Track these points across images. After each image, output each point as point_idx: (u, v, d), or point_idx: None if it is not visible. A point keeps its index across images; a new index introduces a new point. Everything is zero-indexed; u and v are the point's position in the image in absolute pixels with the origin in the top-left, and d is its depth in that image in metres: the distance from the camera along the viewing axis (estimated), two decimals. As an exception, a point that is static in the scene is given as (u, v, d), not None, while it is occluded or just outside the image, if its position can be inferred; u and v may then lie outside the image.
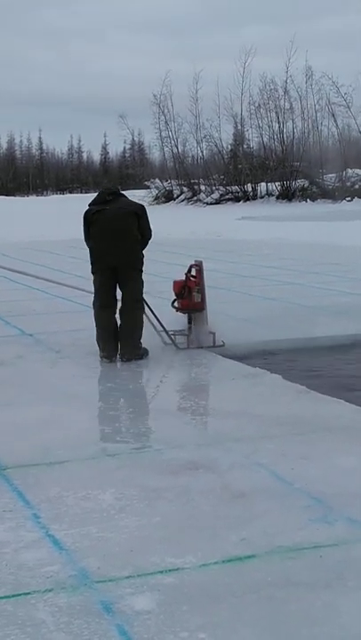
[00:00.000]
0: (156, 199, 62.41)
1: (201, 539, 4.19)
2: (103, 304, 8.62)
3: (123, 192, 9.01)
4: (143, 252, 8.72)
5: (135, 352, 8.52)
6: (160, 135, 66.18)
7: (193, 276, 9.19)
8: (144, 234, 8.71)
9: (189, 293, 9.06)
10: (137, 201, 9.05)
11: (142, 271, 8.71)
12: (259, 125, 61.26)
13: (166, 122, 65.13)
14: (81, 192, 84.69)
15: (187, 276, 9.18)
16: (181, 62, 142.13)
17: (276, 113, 60.30)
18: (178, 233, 27.78)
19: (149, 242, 8.80)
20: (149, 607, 3.54)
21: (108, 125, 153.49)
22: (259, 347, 9.28)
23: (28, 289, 13.76)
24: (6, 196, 74.45)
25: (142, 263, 8.72)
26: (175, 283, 9.18)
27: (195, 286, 9.09)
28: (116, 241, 8.60)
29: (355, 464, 5.27)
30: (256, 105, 60.88)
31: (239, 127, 62.82)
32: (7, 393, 7.56)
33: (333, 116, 58.65)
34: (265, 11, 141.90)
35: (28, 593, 3.68)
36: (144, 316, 8.80)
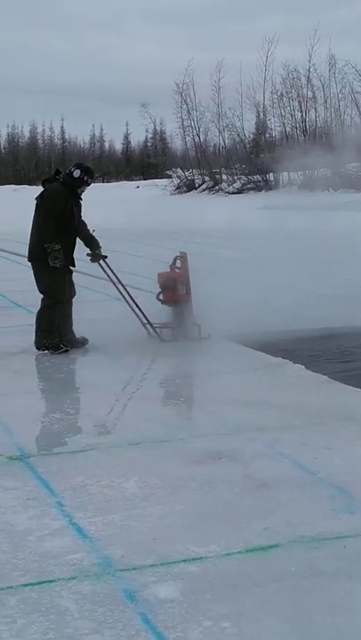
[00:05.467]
0: (177, 188, 62.29)
1: (224, 528, 4.19)
2: None
3: (65, 174, 8.56)
4: (54, 243, 8.30)
5: (41, 342, 8.48)
6: (182, 124, 66.02)
7: (178, 268, 9.09)
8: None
9: (174, 286, 8.98)
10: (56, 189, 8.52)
11: (50, 263, 8.33)
12: (281, 114, 61.05)
13: (188, 111, 64.96)
14: (103, 181, 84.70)
15: (171, 269, 9.09)
16: (203, 51, 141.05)
17: (298, 102, 60.08)
18: (199, 222, 27.70)
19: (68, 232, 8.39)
20: (173, 596, 3.54)
21: (130, 114, 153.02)
22: (279, 336, 9.26)
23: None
24: (29, 185, 74.61)
25: (49, 255, 8.32)
26: (160, 275, 9.09)
27: (179, 278, 8.99)
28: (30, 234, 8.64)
29: (378, 454, 5.25)
30: (279, 94, 60.65)
31: (261, 116, 62.62)
32: (29, 381, 7.60)
33: (357, 104, 58.30)
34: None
35: (53, 580, 3.70)
36: (130, 308, 8.87)
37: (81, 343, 8.67)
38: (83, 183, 8.62)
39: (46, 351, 8.40)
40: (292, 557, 3.87)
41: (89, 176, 8.67)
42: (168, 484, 4.79)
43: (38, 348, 8.46)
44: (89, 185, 8.72)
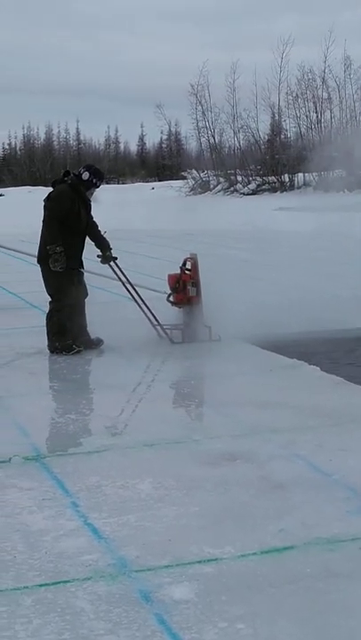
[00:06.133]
0: (192, 190, 62.30)
1: (239, 529, 4.19)
2: None
3: (73, 175, 8.58)
4: (56, 245, 8.32)
5: (53, 345, 8.52)
6: (197, 125, 66.02)
7: (188, 270, 9.10)
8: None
9: (184, 287, 8.97)
10: (59, 190, 8.58)
11: (51, 266, 8.34)
12: (296, 115, 60.97)
13: (203, 112, 64.99)
14: (118, 183, 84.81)
15: (181, 270, 9.10)
16: (218, 51, 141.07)
17: (313, 103, 59.97)
18: (214, 224, 27.71)
19: (58, 235, 8.37)
20: (188, 597, 3.55)
21: (145, 116, 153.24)
22: (294, 337, 9.24)
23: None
24: (44, 186, 74.82)
25: (50, 257, 8.33)
26: (170, 277, 9.10)
27: (189, 280, 8.98)
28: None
29: (394, 456, 5.24)
30: (294, 95, 60.56)
31: (276, 117, 62.54)
32: (45, 382, 7.63)
33: (372, 105, 58.14)
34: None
35: (68, 581, 3.72)
36: (140, 310, 8.90)
37: (96, 344, 8.69)
38: (92, 185, 8.63)
39: (60, 353, 8.43)
40: (308, 559, 3.86)
41: (98, 178, 8.67)
42: (183, 486, 4.79)
43: (52, 352, 8.50)
44: (98, 187, 8.73)
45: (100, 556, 3.94)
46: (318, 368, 7.63)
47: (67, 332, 8.51)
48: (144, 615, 3.42)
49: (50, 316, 8.60)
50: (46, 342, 8.59)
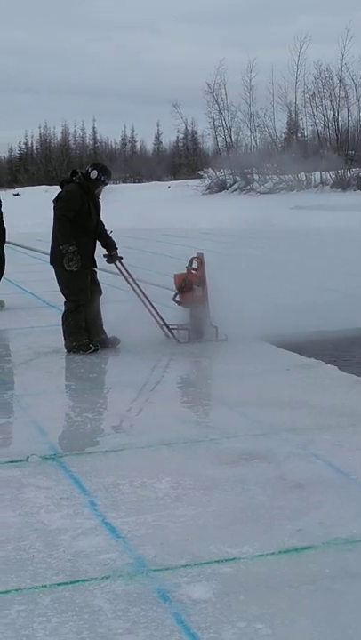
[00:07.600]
0: (208, 189, 62.23)
1: (257, 529, 4.18)
2: None
3: (81, 174, 8.61)
4: (69, 244, 8.35)
5: (70, 345, 8.54)
6: (213, 124, 65.95)
7: (194, 269, 9.08)
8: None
9: (190, 287, 8.96)
10: (68, 189, 8.61)
11: (65, 265, 8.36)
12: (313, 114, 60.77)
13: (220, 111, 64.89)
14: (134, 182, 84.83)
15: (188, 270, 9.08)
16: (235, 51, 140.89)
17: (330, 101, 59.74)
18: (231, 222, 27.67)
19: (66, 235, 8.39)
20: (206, 596, 3.54)
21: (162, 115, 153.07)
22: (312, 337, 9.22)
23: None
24: (60, 186, 74.63)
25: (64, 257, 8.36)
26: (176, 276, 9.08)
27: (195, 280, 8.96)
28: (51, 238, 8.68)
29: None
30: (311, 93, 60.37)
31: (293, 116, 62.38)
32: (62, 381, 7.64)
33: (389, 103, 57.85)
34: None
35: (86, 580, 3.72)
36: (147, 310, 8.90)
37: (112, 343, 8.70)
38: (100, 183, 8.66)
39: (77, 352, 8.45)
40: (326, 559, 3.85)
41: (106, 176, 8.70)
42: (200, 485, 4.79)
43: (69, 351, 8.52)
44: (106, 184, 8.76)
45: (118, 555, 3.94)
46: (336, 367, 7.61)
47: (83, 331, 8.53)
48: (162, 614, 3.42)
49: (66, 317, 8.62)
50: (63, 341, 8.60)
